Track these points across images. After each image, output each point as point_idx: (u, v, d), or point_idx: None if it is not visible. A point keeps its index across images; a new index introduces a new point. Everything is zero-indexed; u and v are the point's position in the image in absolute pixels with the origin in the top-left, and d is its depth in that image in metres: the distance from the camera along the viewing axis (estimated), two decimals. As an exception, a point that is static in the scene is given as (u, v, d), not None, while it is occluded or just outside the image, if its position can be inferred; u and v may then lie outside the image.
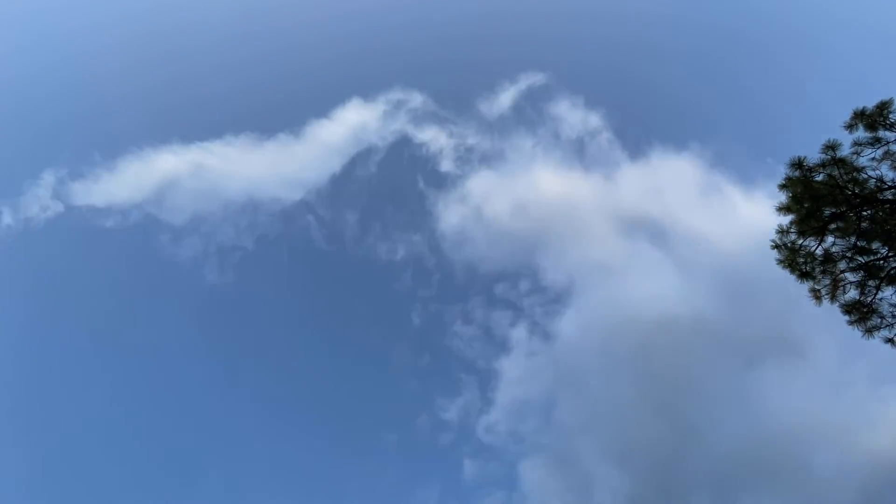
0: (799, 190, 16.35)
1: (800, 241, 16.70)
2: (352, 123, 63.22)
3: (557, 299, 55.63)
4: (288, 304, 58.48)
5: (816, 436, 39.14)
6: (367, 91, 65.04)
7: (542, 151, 64.09)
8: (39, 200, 53.61)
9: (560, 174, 62.47)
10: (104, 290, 55.14)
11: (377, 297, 59.91)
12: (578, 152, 63.82)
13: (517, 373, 50.78)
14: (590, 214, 59.70)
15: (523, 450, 46.53)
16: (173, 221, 56.10)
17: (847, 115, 15.71)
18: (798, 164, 16.26)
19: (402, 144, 64.41)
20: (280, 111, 68.40)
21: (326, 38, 72.00)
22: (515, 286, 56.76)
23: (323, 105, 64.78)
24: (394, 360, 55.06)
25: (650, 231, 57.06)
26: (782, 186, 16.61)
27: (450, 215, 60.15)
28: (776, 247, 17.02)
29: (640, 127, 65.15)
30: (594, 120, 64.76)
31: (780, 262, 17.04)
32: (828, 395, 41.75)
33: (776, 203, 16.88)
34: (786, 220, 16.84)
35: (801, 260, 16.74)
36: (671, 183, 58.86)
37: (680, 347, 47.02)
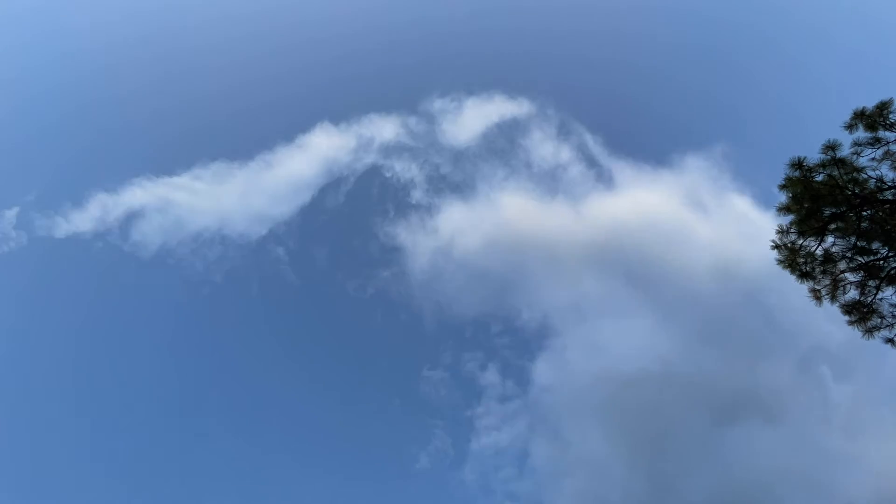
0: (799, 190, 16.34)
1: (800, 242, 16.69)
2: (322, 152, 61.21)
3: (532, 342, 53.73)
4: (253, 343, 55.90)
5: (789, 487, 39.07)
6: (338, 118, 63.26)
7: (515, 182, 62.14)
8: (2, 231, 52.63)
9: (535, 206, 60.42)
10: (68, 325, 53.61)
11: (346, 339, 57.00)
12: (553, 183, 61.78)
13: (490, 420, 49.42)
14: (565, 249, 57.88)
15: (496, 500, 45.42)
16: (140, 255, 55.05)
17: (847, 116, 15.78)
18: (798, 164, 16.26)
19: (373, 174, 62.40)
20: (250, 140, 66.36)
21: (296, 64, 70.69)
22: (488, 328, 54.58)
23: (292, 132, 63.03)
24: (363, 405, 52.60)
25: (627, 267, 55.59)
26: (782, 186, 16.61)
27: (421, 250, 57.81)
28: (776, 247, 17.01)
29: (616, 157, 63.10)
30: (568, 150, 62.85)
31: (780, 262, 17.03)
32: (801, 447, 41.72)
33: (777, 204, 16.89)
34: (786, 220, 16.84)
35: (801, 260, 16.73)
36: (647, 216, 57.57)
37: (655, 396, 46.46)
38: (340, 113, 64.34)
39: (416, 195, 61.19)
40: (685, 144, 65.01)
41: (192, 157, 62.09)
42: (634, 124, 69.23)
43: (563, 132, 63.63)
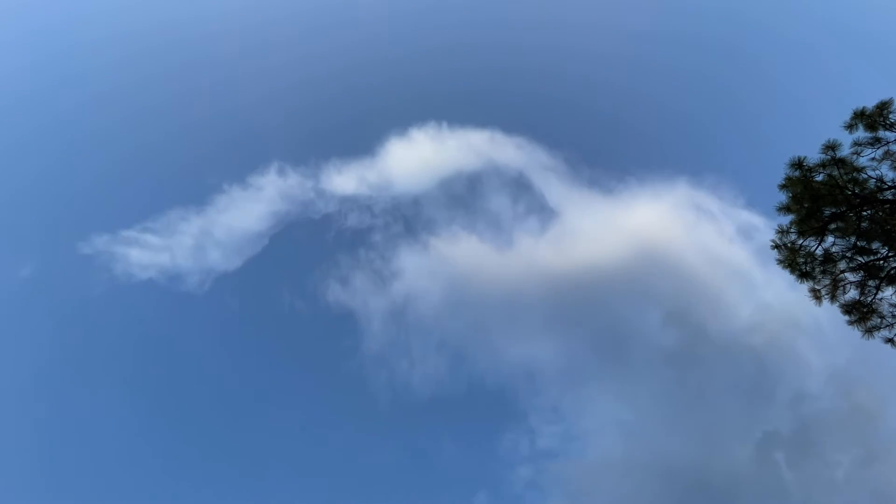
0: (799, 190, 16.36)
1: (800, 241, 16.70)
2: (275, 197, 58.22)
3: (493, 415, 50.06)
4: (193, 414, 50.14)
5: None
6: (294, 160, 60.25)
7: (473, 232, 58.47)
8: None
9: (494, 258, 56.98)
10: (18, 385, 49.53)
11: (296, 408, 51.17)
12: (513, 232, 58.39)
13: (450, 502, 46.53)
14: (526, 306, 54.52)
15: None
16: (87, 309, 52.71)
17: (847, 116, 15.79)
18: (798, 164, 16.28)
19: (327, 223, 58.66)
20: (204, 184, 61.66)
21: (245, 107, 67.28)
22: (447, 400, 50.45)
23: (246, 174, 59.83)
24: (311, 488, 46.31)
25: (591, 328, 52.83)
26: (782, 186, 16.63)
27: (375, 313, 53.67)
28: (776, 247, 17.01)
29: (577, 204, 59.53)
30: (529, 196, 59.32)
31: (780, 262, 17.03)
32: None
33: (777, 204, 16.90)
34: (786, 220, 16.86)
35: (801, 260, 16.73)
36: (612, 267, 54.38)
37: (618, 482, 44.58)
38: (296, 155, 61.59)
39: (371, 247, 57.47)
40: (655, 179, 60.34)
41: (147, 207, 58.32)
42: (600, 164, 64.35)
43: (524, 178, 60.47)
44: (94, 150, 62.55)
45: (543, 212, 59.31)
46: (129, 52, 67.66)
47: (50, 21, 67.40)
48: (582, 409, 49.11)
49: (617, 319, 53.43)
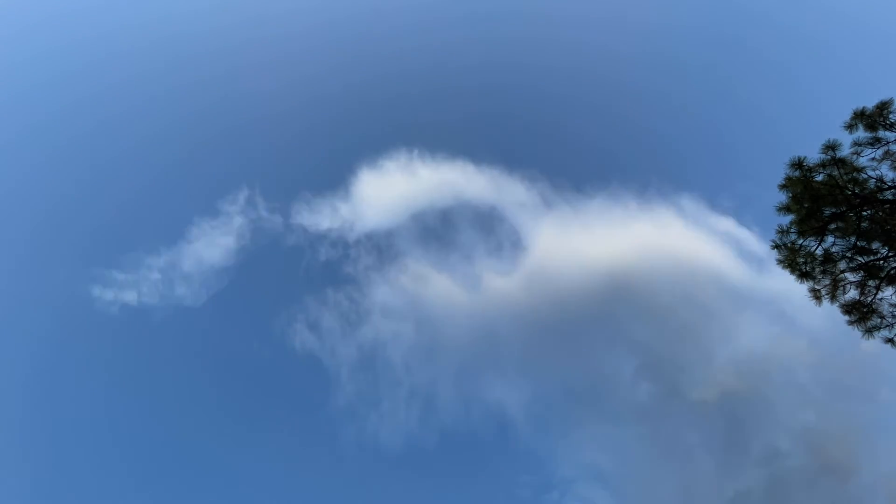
0: (799, 190, 16.37)
1: (800, 241, 16.70)
2: (242, 229, 56.22)
3: (472, 468, 48.11)
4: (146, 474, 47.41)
5: None
6: (260, 192, 58.09)
7: (444, 269, 56.01)
8: None
9: (464, 297, 54.60)
10: None
11: (263, 477, 47.55)
12: (483, 269, 55.99)
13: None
14: (498, 348, 52.43)
15: None
16: (51, 347, 50.80)
17: (847, 116, 15.81)
18: (798, 164, 16.29)
19: (296, 255, 56.47)
20: (173, 214, 59.55)
21: (214, 137, 64.95)
22: (419, 454, 47.87)
23: (211, 206, 57.72)
24: None
25: (565, 372, 50.99)
26: (782, 186, 16.64)
27: (343, 359, 51.34)
28: (776, 247, 17.01)
29: (551, 234, 57.24)
30: (500, 230, 57.17)
31: (779, 262, 17.04)
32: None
33: (777, 204, 16.90)
34: (786, 219, 16.87)
35: (801, 260, 16.73)
36: (582, 304, 52.29)
37: None
38: (266, 186, 59.54)
39: (340, 285, 55.36)
40: (631, 213, 57.86)
41: (111, 240, 56.76)
42: (574, 197, 60.92)
43: (496, 211, 58.19)
44: (60, 178, 60.21)
45: (517, 248, 57.49)
46: (97, 73, 64.84)
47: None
48: (557, 458, 47.82)
49: (592, 363, 52.01)
